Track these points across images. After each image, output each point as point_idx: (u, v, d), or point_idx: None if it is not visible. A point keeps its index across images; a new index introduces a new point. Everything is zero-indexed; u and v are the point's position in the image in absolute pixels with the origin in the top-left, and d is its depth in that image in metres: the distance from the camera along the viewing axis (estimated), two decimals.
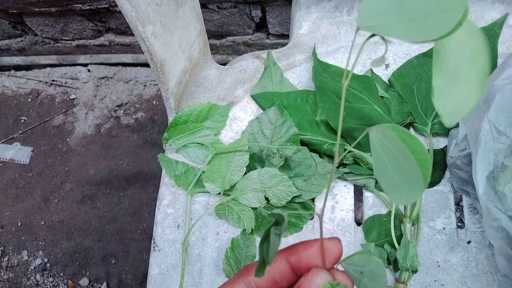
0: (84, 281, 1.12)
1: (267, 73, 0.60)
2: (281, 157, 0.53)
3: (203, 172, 0.54)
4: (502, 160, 0.46)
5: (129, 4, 0.42)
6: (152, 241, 0.53)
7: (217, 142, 0.56)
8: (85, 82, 1.32)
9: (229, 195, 0.53)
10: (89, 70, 1.32)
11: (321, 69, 0.57)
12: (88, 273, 1.13)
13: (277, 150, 0.53)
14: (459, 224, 0.53)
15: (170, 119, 0.57)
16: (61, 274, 1.13)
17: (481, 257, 0.50)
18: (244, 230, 0.52)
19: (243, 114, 0.59)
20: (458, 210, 0.54)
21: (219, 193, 0.53)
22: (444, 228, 0.52)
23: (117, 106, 1.29)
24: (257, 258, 0.48)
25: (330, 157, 0.54)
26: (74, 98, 1.31)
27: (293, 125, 0.55)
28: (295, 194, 0.53)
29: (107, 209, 1.18)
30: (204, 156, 0.55)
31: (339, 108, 0.56)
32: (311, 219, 0.54)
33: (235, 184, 0.53)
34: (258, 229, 0.53)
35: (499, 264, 0.46)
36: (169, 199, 0.54)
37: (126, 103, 1.29)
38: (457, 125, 0.52)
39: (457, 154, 0.51)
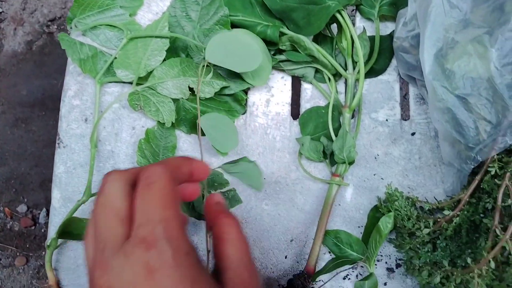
0: (22, 208, 1.04)
1: None
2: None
3: (115, 58, 0.46)
4: (453, 36, 0.40)
5: None
6: (57, 137, 0.46)
7: (132, 24, 0.47)
8: None
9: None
10: None
11: None
12: (26, 200, 1.06)
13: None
14: (403, 115, 0.48)
15: None
16: None
17: (425, 150, 0.46)
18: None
19: None
20: (402, 99, 0.49)
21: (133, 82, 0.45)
22: (387, 120, 0.47)
23: (50, 20, 1.15)
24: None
25: (265, 41, 0.47)
26: (0, 12, 1.16)
27: (222, 5, 0.47)
28: (223, 85, 0.46)
29: (43, 132, 1.08)
30: (116, 40, 0.47)
31: None
32: (243, 114, 0.48)
33: (153, 71, 0.45)
34: (180, 123, 0.46)
35: (443, 152, 0.42)
36: (75, 90, 0.46)
37: (60, 17, 1.16)
38: (406, 4, 0.46)
39: (405, 34, 0.45)
